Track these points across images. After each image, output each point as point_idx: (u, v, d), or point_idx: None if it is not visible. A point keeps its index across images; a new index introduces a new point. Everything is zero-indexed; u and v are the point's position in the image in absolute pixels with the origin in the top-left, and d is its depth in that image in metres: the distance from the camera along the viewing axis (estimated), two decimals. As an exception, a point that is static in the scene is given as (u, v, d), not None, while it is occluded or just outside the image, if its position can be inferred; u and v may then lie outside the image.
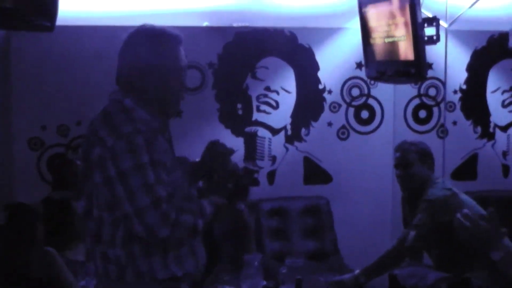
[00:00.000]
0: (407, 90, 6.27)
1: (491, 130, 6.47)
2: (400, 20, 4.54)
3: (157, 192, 2.52)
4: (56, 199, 4.33)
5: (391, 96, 6.24)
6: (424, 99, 6.34)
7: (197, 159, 3.05)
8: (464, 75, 6.36)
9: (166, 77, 2.69)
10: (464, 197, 4.57)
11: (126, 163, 2.49)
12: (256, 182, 5.87)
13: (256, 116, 5.97)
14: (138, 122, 2.59)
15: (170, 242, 2.61)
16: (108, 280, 2.68)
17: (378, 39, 4.94)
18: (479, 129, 6.44)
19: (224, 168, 2.95)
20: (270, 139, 6.03)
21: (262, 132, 6.00)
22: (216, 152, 3.00)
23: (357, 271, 4.43)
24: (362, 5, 5.10)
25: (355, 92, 6.16)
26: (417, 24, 4.35)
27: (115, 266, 2.63)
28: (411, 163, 4.63)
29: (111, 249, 2.62)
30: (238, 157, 5.81)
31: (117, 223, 2.60)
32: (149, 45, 2.66)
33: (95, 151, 2.56)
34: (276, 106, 6.01)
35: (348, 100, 6.15)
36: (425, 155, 4.68)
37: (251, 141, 5.98)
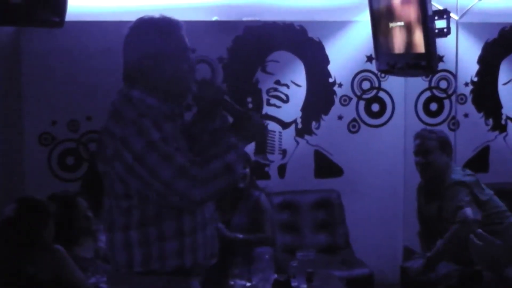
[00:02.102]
0: (418, 83, 6.25)
1: (503, 122, 6.44)
2: (410, 12, 4.51)
3: (176, 161, 2.53)
4: (61, 195, 4.34)
5: (402, 89, 6.22)
6: (435, 91, 6.31)
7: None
8: (475, 67, 6.33)
9: (171, 63, 2.70)
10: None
11: (138, 145, 2.51)
12: (266, 176, 5.93)
13: (266, 109, 5.97)
14: (144, 108, 2.63)
15: (212, 198, 2.65)
16: (118, 273, 2.70)
17: (389, 32, 4.92)
18: (490, 121, 6.42)
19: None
20: (280, 132, 6.02)
21: (272, 125, 5.99)
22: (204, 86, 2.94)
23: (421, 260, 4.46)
24: (372, -2, 5.08)
25: (366, 85, 6.15)
26: (427, 17, 4.32)
27: (124, 251, 2.64)
28: (431, 150, 4.67)
29: (124, 234, 2.63)
30: (248, 151, 5.85)
31: (131, 209, 2.61)
32: (149, 33, 2.69)
33: (109, 147, 2.58)
34: (286, 100, 6.01)
35: (358, 93, 6.14)
36: (444, 143, 4.74)
37: (261, 135, 5.96)
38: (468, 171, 4.77)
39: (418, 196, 4.99)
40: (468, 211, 4.41)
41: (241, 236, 4.64)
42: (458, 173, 4.67)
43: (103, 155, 2.66)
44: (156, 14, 2.75)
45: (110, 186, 2.67)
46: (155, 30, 2.70)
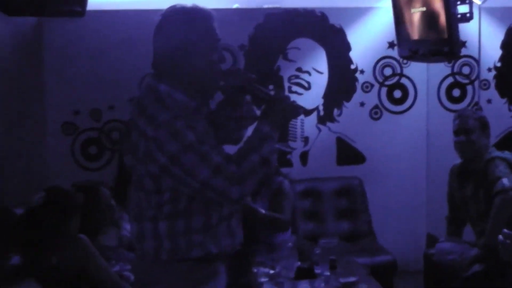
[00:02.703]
0: (441, 69, 6.20)
1: (526, 108, 6.39)
2: (432, -3, 4.49)
3: (213, 160, 2.52)
4: (84, 185, 4.36)
5: (424, 75, 6.19)
6: (458, 77, 6.27)
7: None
8: (498, 52, 6.27)
9: (202, 55, 2.67)
10: None
11: (173, 147, 2.50)
12: (289, 163, 5.93)
13: (288, 97, 5.95)
14: (175, 107, 2.59)
15: (250, 193, 2.67)
16: (144, 262, 2.71)
17: (411, 18, 4.89)
18: (514, 107, 6.37)
19: None
20: (302, 120, 6.01)
21: (294, 113, 5.97)
22: None
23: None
24: (393, -16, 5.06)
25: (388, 71, 6.12)
26: (449, 2, 4.30)
27: (152, 241, 2.65)
28: (472, 129, 4.64)
29: (152, 224, 2.64)
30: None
31: (161, 204, 2.61)
32: (182, 23, 2.65)
33: (140, 145, 2.57)
34: (308, 87, 5.99)
35: (380, 80, 6.11)
36: (485, 124, 4.71)
37: (283, 123, 5.95)
38: (507, 152, 4.74)
39: (450, 180, 4.93)
40: (505, 180, 4.37)
41: (263, 211, 4.60)
42: (497, 152, 4.65)
43: (132, 151, 2.65)
44: (188, 4, 2.70)
45: (139, 180, 2.66)
46: (186, 20, 2.65)
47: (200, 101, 2.71)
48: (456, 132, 4.71)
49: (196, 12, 2.68)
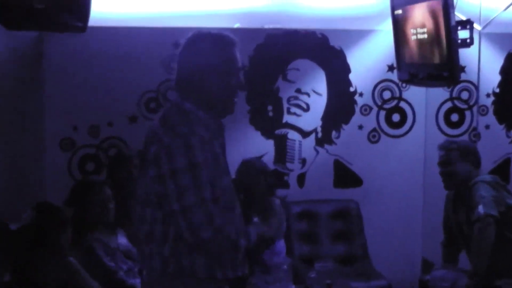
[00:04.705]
0: (439, 93, 6.21)
1: (524, 134, 6.39)
2: (433, 22, 4.49)
3: (203, 193, 2.60)
4: (91, 181, 4.48)
5: (423, 99, 6.19)
6: (457, 102, 6.27)
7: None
8: (497, 78, 6.28)
9: (226, 78, 2.84)
10: None
11: (179, 162, 2.59)
12: (286, 185, 5.91)
13: (287, 118, 5.95)
14: (196, 123, 2.71)
15: (210, 246, 2.67)
16: (154, 275, 2.78)
17: (411, 42, 4.90)
18: (512, 133, 6.37)
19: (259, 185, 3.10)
20: (300, 141, 6.00)
21: (292, 134, 5.97)
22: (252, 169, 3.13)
23: None
24: (394, 7, 5.06)
25: (387, 95, 6.12)
26: (450, 27, 4.30)
27: (160, 261, 2.72)
28: (453, 160, 4.69)
29: (159, 245, 2.71)
30: (268, 160, 5.84)
31: (167, 220, 2.68)
32: (210, 48, 2.80)
33: (151, 149, 2.67)
34: (306, 109, 5.99)
35: (379, 103, 6.11)
36: (466, 152, 4.73)
37: (281, 144, 5.96)
38: (490, 175, 4.75)
39: (446, 205, 4.94)
40: (480, 208, 4.35)
41: (256, 219, 4.59)
42: (481, 176, 4.66)
43: (142, 158, 2.77)
44: (214, 29, 2.84)
45: (143, 194, 2.75)
46: (210, 44, 2.80)
47: (219, 125, 2.86)
48: (439, 164, 4.78)
49: (222, 39, 2.85)
